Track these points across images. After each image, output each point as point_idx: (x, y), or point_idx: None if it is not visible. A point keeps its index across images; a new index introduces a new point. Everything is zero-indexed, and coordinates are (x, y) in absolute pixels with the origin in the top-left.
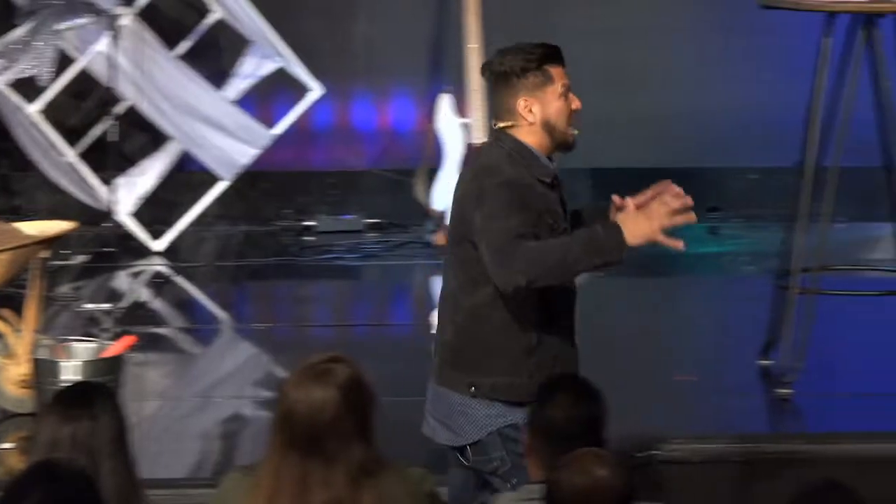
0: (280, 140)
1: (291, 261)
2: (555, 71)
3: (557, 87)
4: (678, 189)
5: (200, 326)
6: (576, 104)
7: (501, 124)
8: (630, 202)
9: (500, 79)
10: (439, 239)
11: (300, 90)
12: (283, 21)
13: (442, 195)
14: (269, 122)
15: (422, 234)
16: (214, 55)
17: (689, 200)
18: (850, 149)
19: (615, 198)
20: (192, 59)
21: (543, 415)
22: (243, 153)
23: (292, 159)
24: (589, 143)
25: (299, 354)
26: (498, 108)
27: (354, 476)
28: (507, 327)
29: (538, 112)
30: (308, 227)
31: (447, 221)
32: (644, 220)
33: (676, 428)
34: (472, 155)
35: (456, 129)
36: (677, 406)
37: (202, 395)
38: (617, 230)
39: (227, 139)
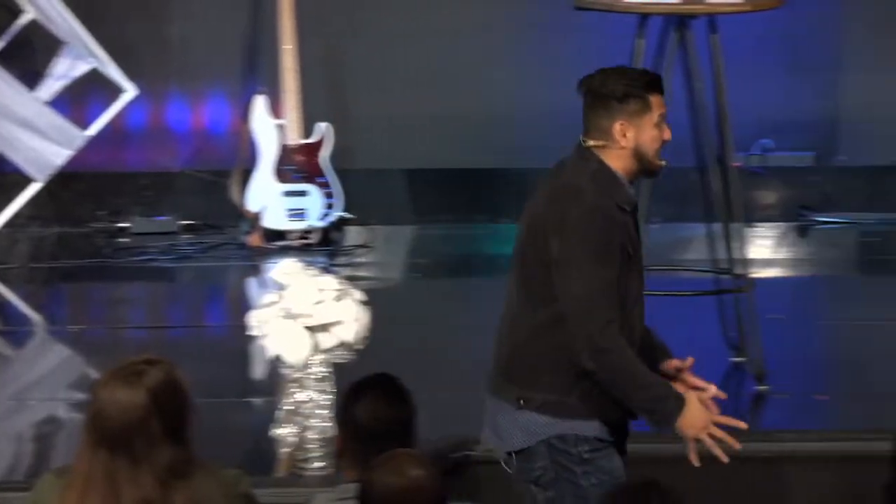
0: (94, 141)
1: (105, 262)
2: (654, 99)
3: (654, 115)
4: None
5: (13, 328)
6: (667, 135)
7: (591, 143)
8: (711, 388)
9: (599, 99)
10: (254, 240)
11: (114, 91)
12: (97, 22)
13: (256, 196)
14: (83, 124)
15: (236, 235)
16: (27, 56)
17: (742, 425)
18: (664, 149)
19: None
20: (5, 59)
21: (351, 414)
22: (57, 154)
23: (106, 160)
24: (402, 144)
25: (113, 356)
26: (590, 126)
27: (163, 477)
28: (565, 348)
29: (632, 138)
30: (122, 229)
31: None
32: (703, 417)
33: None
34: (556, 170)
35: (270, 130)
36: None
37: (15, 398)
38: (678, 408)
39: (41, 140)
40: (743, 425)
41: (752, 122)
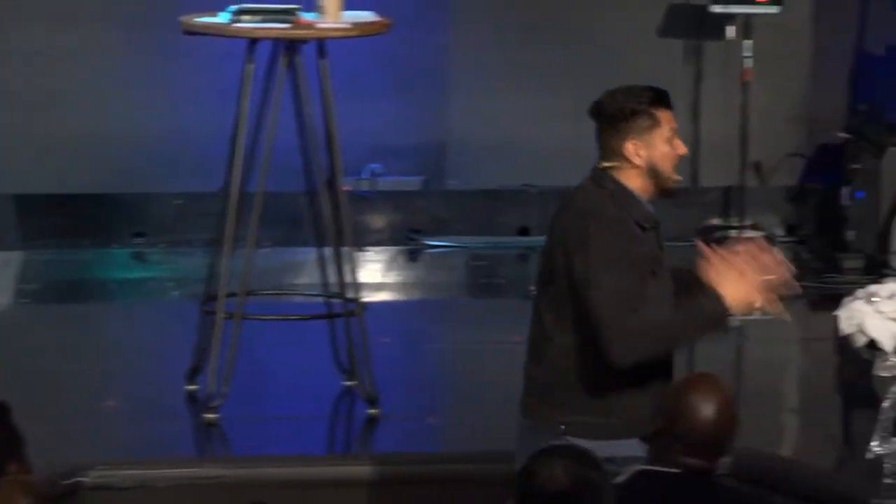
0: None
1: None
2: (663, 115)
3: (665, 131)
4: (779, 256)
5: None
6: (682, 150)
7: (606, 164)
8: (715, 254)
9: (608, 121)
10: None
11: None
12: None
13: None
14: None
15: None
16: None
17: (788, 268)
18: (274, 174)
19: (699, 244)
20: None
21: None
22: None
23: None
24: (12, 168)
25: None
26: (604, 148)
27: None
28: (601, 367)
29: (645, 156)
30: None
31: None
32: (742, 282)
33: (104, 454)
34: (571, 196)
35: None
36: (105, 432)
37: None
38: (718, 299)
39: None
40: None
41: (361, 146)
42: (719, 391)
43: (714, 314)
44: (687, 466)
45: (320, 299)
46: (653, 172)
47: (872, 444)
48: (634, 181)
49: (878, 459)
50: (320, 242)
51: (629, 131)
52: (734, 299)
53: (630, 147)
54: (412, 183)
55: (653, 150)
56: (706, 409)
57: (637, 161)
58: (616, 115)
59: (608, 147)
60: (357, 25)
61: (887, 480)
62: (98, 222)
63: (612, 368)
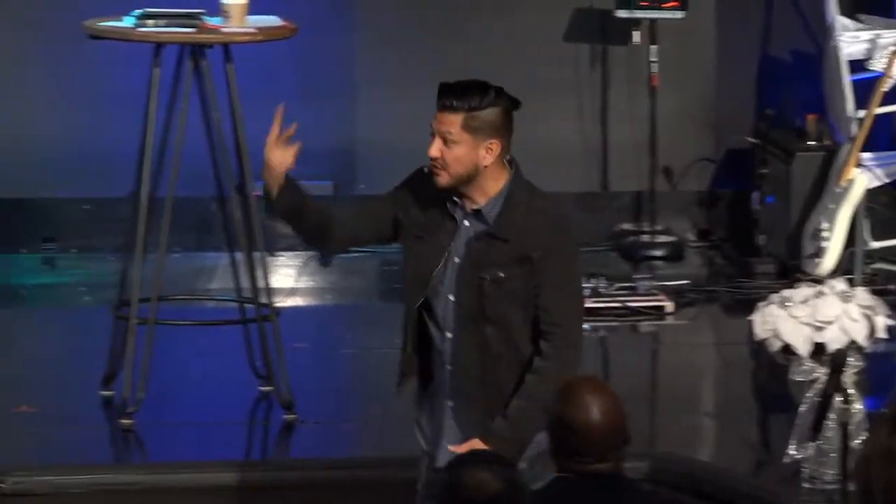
0: None
1: None
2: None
3: None
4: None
5: None
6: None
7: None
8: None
9: None
10: None
11: None
12: None
13: None
14: None
15: None
16: None
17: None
18: (184, 179)
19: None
20: None
21: None
22: None
23: None
24: None
25: None
26: None
27: None
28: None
29: None
30: None
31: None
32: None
33: (19, 460)
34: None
35: None
36: (19, 438)
37: None
38: None
39: None
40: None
41: None
42: (594, 390)
43: None
44: (593, 471)
45: (233, 304)
46: None
47: (790, 448)
48: None
49: (796, 463)
50: (231, 247)
51: None
52: None
53: None
54: (322, 187)
55: None
56: (585, 412)
57: None
58: None
59: None
60: (262, 30)
61: (805, 485)
62: (7, 227)
63: None
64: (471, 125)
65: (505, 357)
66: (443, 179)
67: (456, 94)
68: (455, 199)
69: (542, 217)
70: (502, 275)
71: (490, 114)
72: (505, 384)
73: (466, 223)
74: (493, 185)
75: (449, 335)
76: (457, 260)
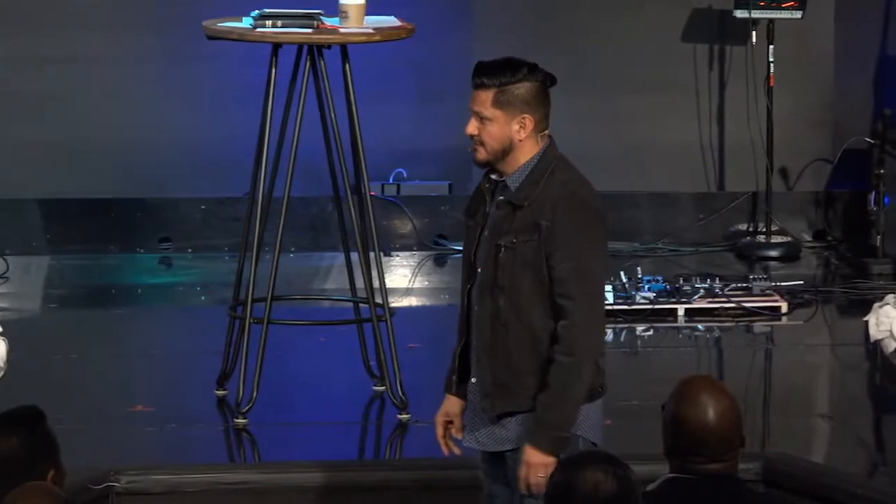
0: None
1: None
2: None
3: None
4: None
5: None
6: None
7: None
8: None
9: None
10: None
11: None
12: None
13: None
14: None
15: None
16: None
17: None
18: (300, 179)
19: None
20: None
21: None
22: None
23: None
24: (39, 173)
25: None
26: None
27: None
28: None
29: None
30: None
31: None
32: None
33: (134, 459)
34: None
35: None
36: (135, 437)
37: None
38: None
39: None
40: None
41: (387, 151)
42: (711, 390)
43: None
44: (707, 472)
45: (348, 304)
46: None
47: None
48: None
49: None
50: (347, 247)
51: None
52: None
53: None
54: (438, 188)
55: None
56: (701, 411)
57: None
58: None
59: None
60: (380, 30)
61: None
62: (125, 227)
63: None
64: (501, 100)
65: (512, 326)
66: (480, 155)
67: (487, 71)
68: (492, 176)
69: (559, 188)
70: (514, 240)
71: (521, 88)
72: (512, 357)
73: (496, 196)
74: (523, 159)
75: (476, 309)
76: (486, 234)
